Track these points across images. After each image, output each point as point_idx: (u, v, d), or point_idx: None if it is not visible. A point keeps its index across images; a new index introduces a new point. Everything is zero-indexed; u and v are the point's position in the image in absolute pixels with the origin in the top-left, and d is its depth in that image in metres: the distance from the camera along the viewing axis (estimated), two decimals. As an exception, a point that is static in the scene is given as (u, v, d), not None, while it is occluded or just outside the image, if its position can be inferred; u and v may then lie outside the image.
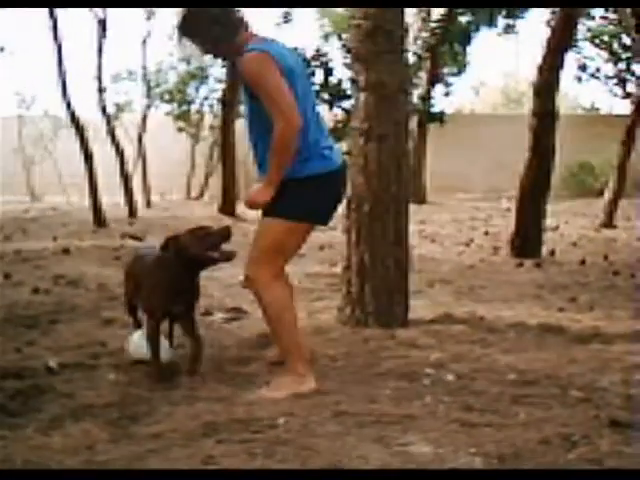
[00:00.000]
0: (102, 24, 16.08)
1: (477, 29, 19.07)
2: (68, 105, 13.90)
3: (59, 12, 13.50)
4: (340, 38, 18.92)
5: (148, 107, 23.41)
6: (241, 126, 19.23)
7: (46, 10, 13.31)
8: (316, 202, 3.80)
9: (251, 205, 3.79)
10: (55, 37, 13.64)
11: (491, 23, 16.52)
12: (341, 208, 5.12)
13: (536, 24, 18.59)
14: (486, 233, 11.54)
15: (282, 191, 3.71)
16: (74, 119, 14.11)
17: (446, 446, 2.87)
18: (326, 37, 22.09)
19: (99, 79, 16.64)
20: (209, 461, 2.79)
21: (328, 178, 3.80)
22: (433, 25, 18.46)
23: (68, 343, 4.61)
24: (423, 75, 19.63)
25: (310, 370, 3.78)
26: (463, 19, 18.79)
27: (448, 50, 18.77)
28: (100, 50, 16.00)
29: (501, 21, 18.68)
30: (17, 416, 3.42)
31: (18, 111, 25.81)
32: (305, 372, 3.74)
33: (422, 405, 3.37)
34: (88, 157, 14.23)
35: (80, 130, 14.13)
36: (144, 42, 23.15)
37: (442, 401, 3.41)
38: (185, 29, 3.84)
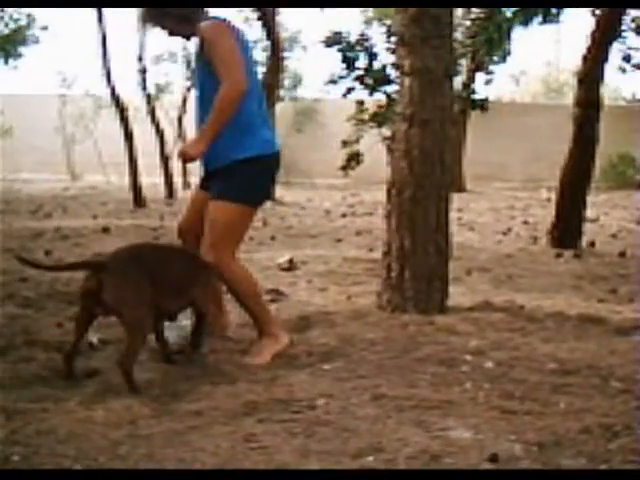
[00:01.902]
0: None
1: (510, 28, 18.89)
2: (110, 85, 14.00)
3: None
4: (383, 23, 18.82)
5: (188, 89, 23.47)
6: (281, 110, 19.28)
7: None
8: (264, 183, 4.08)
9: (183, 157, 3.88)
10: (99, 18, 13.72)
11: (527, 24, 16.36)
12: (383, 194, 5.14)
13: (579, 13, 18.36)
14: (525, 222, 11.48)
15: (231, 174, 3.93)
16: (115, 99, 14.21)
17: (486, 432, 2.87)
18: (368, 22, 21.98)
19: (141, 60, 16.74)
20: (250, 439, 2.82)
21: (273, 159, 4.05)
22: (475, 14, 18.31)
23: (108, 320, 4.64)
24: (465, 62, 19.51)
25: (281, 327, 4.19)
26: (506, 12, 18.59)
27: (488, 40, 18.63)
28: (143, 31, 16.06)
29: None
30: (59, 389, 3.47)
31: (60, 90, 26.01)
32: (277, 331, 4.10)
33: (462, 391, 3.37)
34: (128, 137, 14.34)
35: (121, 110, 14.23)
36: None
37: (482, 388, 3.40)
38: (156, 11, 4.05)
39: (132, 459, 2.65)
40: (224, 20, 3.96)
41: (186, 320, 4.09)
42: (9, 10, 18.95)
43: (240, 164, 3.92)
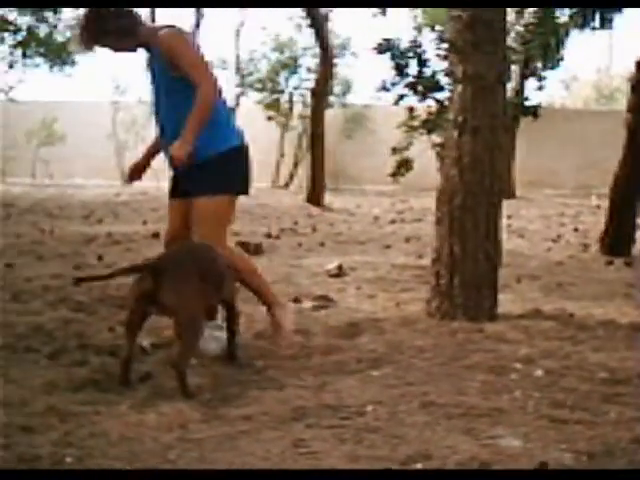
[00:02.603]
0: (198, 13, 16.28)
1: (567, 33, 18.72)
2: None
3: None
4: (433, 29, 18.79)
5: (239, 95, 23.64)
6: (331, 117, 19.32)
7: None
8: (242, 172, 4.26)
9: (177, 161, 4.04)
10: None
11: (584, 26, 16.22)
12: (432, 200, 5.14)
13: (633, 17, 18.17)
14: (575, 230, 11.37)
15: (212, 168, 4.13)
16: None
17: (535, 441, 2.86)
18: (419, 29, 21.96)
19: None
20: (300, 444, 2.83)
21: (244, 150, 4.27)
22: (527, 19, 18.21)
23: (160, 324, 4.70)
24: (516, 68, 19.40)
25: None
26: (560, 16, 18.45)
27: (544, 46, 18.50)
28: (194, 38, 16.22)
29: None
30: (111, 393, 3.52)
31: (113, 97, 26.33)
32: (279, 298, 4.47)
33: (511, 399, 3.36)
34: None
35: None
36: (237, 32, 23.37)
37: (531, 396, 3.39)
38: (95, 28, 4.14)
39: (182, 463, 2.68)
40: (180, 29, 4.18)
41: (219, 332, 4.12)
42: (64, 18, 19.25)
43: (218, 157, 4.14)
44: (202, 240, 4.08)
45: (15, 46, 20.25)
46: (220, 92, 4.20)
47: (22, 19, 19.19)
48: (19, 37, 19.66)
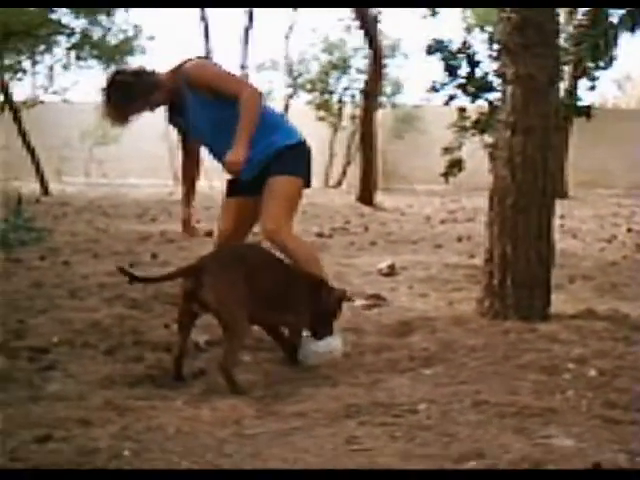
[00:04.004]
0: (249, 14, 16.39)
1: (617, 34, 18.49)
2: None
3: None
4: (483, 30, 18.70)
5: (290, 96, 23.72)
6: (381, 117, 19.31)
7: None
8: (309, 166, 4.36)
9: (235, 167, 4.08)
10: (205, 29, 13.99)
11: (634, 30, 16.00)
12: (483, 200, 5.14)
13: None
14: (629, 230, 11.25)
15: (285, 156, 4.22)
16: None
17: (589, 441, 2.85)
18: (469, 29, 21.87)
19: (243, 68, 17.00)
20: (352, 441, 2.86)
21: (308, 147, 4.37)
22: (579, 20, 18.03)
23: (214, 321, 4.75)
24: (568, 68, 19.21)
25: None
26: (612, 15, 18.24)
27: (593, 48, 18.32)
28: (246, 40, 16.33)
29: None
30: (167, 388, 3.58)
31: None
32: None
33: (564, 399, 3.35)
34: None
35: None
36: (287, 35, 23.47)
37: (584, 396, 3.37)
38: (123, 97, 4.14)
39: (238, 457, 2.73)
40: (197, 58, 4.26)
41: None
42: (117, 21, 19.53)
43: (289, 149, 4.24)
44: (271, 219, 4.12)
45: (70, 49, 20.58)
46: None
47: (76, 22, 19.50)
48: (73, 40, 19.98)
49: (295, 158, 4.26)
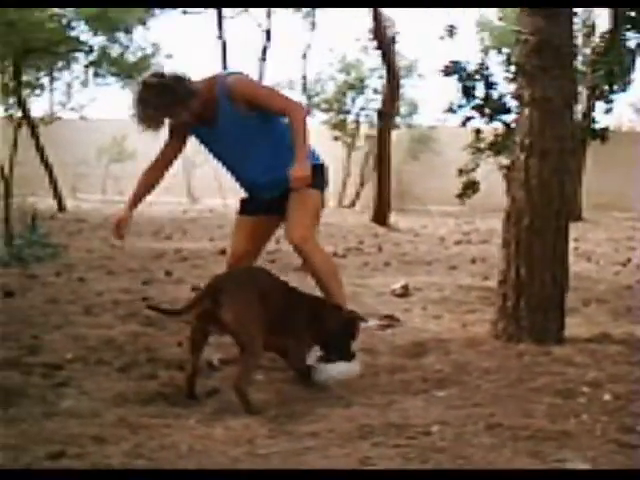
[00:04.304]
0: (267, 34, 16.48)
1: (634, 60, 18.51)
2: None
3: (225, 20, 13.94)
4: (500, 52, 18.73)
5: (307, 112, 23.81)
6: (397, 137, 19.33)
7: (214, 17, 13.78)
8: (325, 187, 4.43)
9: (303, 181, 4.12)
10: (223, 51, 14.08)
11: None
12: (498, 222, 5.13)
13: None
14: (644, 254, 11.20)
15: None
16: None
17: (603, 465, 2.84)
18: (486, 51, 21.91)
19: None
20: (366, 462, 2.85)
21: (325, 169, 4.47)
22: (596, 42, 18.05)
23: (227, 340, 4.75)
24: (584, 90, 19.21)
25: None
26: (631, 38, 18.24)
27: (609, 74, 18.29)
28: (263, 59, 16.40)
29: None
30: (180, 406, 3.58)
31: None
32: None
33: (578, 423, 3.33)
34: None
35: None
36: (304, 54, 23.56)
37: (599, 420, 3.35)
38: (167, 99, 4.08)
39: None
40: (239, 72, 4.27)
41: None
42: (136, 39, 19.66)
43: (314, 167, 4.22)
44: (300, 227, 4.16)
45: (88, 66, 20.72)
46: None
47: (95, 40, 19.66)
48: (92, 57, 20.12)
49: (317, 175, 4.27)
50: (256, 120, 4.18)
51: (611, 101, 20.62)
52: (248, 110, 4.14)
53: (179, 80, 4.08)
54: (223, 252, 9.57)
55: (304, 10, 23.91)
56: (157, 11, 19.11)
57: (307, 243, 4.15)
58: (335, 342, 4.00)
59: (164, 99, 4.05)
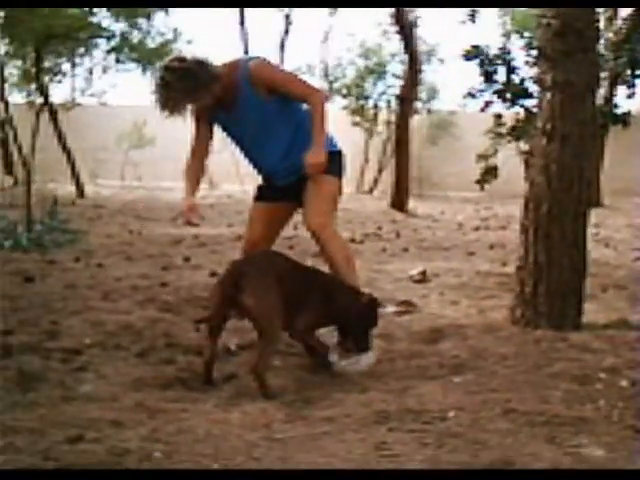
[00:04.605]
0: (287, 19, 16.44)
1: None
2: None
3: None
4: (522, 36, 18.60)
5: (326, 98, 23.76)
6: (416, 123, 19.28)
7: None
8: (342, 174, 4.38)
9: (318, 167, 4.12)
10: (244, 36, 14.05)
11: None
12: (517, 208, 5.11)
13: None
14: (665, 240, 11.14)
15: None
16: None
17: (620, 451, 2.84)
18: (507, 35, 21.78)
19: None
20: (382, 447, 2.86)
21: (342, 155, 4.41)
22: (618, 26, 17.90)
23: (245, 325, 4.77)
24: (606, 75, 19.07)
25: None
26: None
27: (631, 61, 18.14)
28: (282, 45, 16.37)
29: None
30: (197, 391, 3.61)
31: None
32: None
33: (595, 409, 3.32)
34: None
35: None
36: (325, 38, 23.50)
37: (616, 406, 3.35)
38: (191, 84, 4.01)
39: (267, 461, 2.74)
40: (262, 57, 4.23)
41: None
42: (156, 25, 19.69)
43: (331, 153, 4.22)
44: (318, 213, 4.14)
45: (109, 51, 20.77)
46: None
47: (116, 25, 19.70)
48: (113, 43, 20.16)
49: (333, 162, 4.26)
50: (276, 105, 4.16)
51: (633, 85, 20.48)
52: (268, 95, 4.12)
53: (201, 64, 4.04)
54: (241, 238, 9.59)
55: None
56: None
57: (324, 230, 4.14)
58: (355, 329, 3.99)
59: (187, 83, 3.99)
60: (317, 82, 25.39)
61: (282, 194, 4.33)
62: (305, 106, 4.24)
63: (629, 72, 18.13)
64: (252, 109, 4.18)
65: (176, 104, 4.06)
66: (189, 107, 4.18)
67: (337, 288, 4.01)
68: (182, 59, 4.04)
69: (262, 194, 4.46)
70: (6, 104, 21.91)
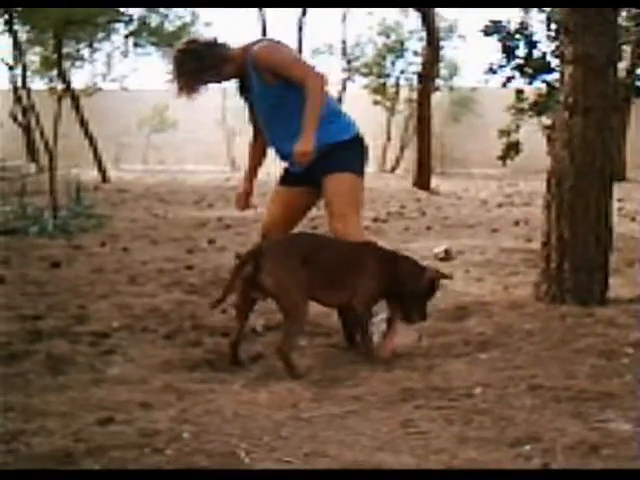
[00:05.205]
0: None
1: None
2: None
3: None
4: (541, 10, 18.46)
5: (346, 80, 23.67)
6: (437, 100, 19.21)
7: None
8: (364, 159, 4.25)
9: (305, 157, 3.98)
10: (263, 17, 14.02)
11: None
12: (540, 184, 5.08)
13: None
14: (690, 213, 11.04)
15: (342, 152, 4.12)
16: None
17: (646, 425, 2.84)
18: (526, 9, 21.59)
19: (300, 52, 17.00)
20: (408, 424, 2.89)
21: (362, 139, 4.25)
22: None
23: (270, 306, 4.79)
24: (628, 48, 18.90)
25: None
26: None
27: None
28: (300, 26, 16.33)
29: None
30: (225, 372, 3.63)
31: (221, 85, 26.67)
32: None
33: (621, 383, 3.32)
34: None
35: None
36: (344, 17, 23.42)
37: (643, 380, 3.36)
38: (195, 67, 4.06)
39: (295, 440, 2.76)
40: (274, 40, 4.17)
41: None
42: (174, 8, 19.67)
43: (346, 144, 4.14)
44: (336, 216, 4.06)
45: (128, 36, 20.81)
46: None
47: (134, 10, 19.72)
48: (132, 27, 20.19)
49: (352, 153, 4.17)
50: (283, 90, 4.07)
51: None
52: (274, 79, 4.06)
53: (210, 46, 4.07)
54: (265, 219, 9.62)
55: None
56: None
57: (347, 236, 4.05)
58: (417, 302, 3.96)
59: (192, 64, 4.05)
60: (337, 61, 25.37)
61: (303, 179, 4.28)
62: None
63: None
64: (260, 94, 4.16)
65: (184, 84, 4.12)
66: (199, 88, 4.19)
67: (398, 262, 4.00)
68: (192, 41, 4.12)
69: (285, 178, 4.44)
70: (28, 91, 22.00)
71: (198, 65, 4.06)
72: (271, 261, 3.61)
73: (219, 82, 4.24)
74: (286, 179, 4.40)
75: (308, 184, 4.26)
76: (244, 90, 4.28)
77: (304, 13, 16.72)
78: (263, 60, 4.04)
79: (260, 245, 3.84)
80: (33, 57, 23.24)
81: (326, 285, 3.75)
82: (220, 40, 4.15)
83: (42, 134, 19.48)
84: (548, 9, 17.04)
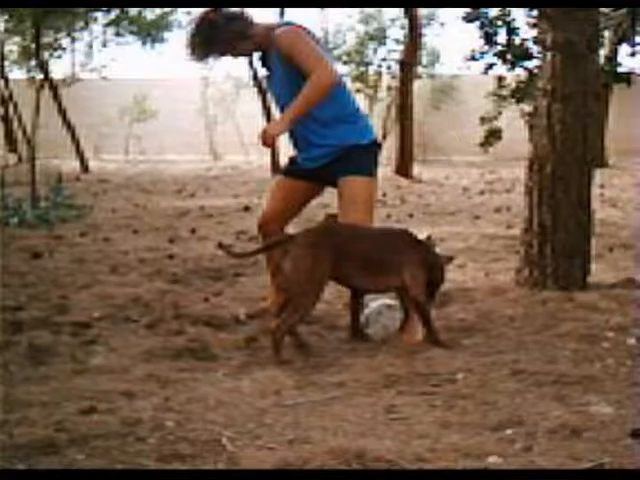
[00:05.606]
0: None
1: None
2: (252, 68, 14.26)
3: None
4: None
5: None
6: (418, 87, 19.22)
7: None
8: (378, 163, 4.18)
9: (264, 137, 3.92)
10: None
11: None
12: (521, 170, 5.10)
13: None
14: (671, 198, 11.11)
15: (359, 155, 4.05)
16: (256, 80, 14.47)
17: (628, 408, 2.86)
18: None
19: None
20: (391, 410, 2.90)
21: (380, 144, 4.23)
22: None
23: (253, 295, 4.81)
24: (608, 34, 18.95)
25: None
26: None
27: (631, 12, 17.97)
28: (282, 12, 16.26)
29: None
30: (207, 361, 3.63)
31: (201, 73, 26.67)
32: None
33: (603, 367, 3.35)
34: (269, 117, 14.57)
35: (261, 91, 14.48)
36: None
37: (624, 364, 3.38)
38: (207, 38, 3.98)
39: (278, 427, 2.77)
40: (299, 25, 4.03)
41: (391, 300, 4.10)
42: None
43: (363, 148, 4.07)
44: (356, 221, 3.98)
45: (107, 25, 20.67)
46: (348, 88, 4.19)
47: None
48: (111, 16, 20.06)
49: (369, 157, 4.11)
50: (301, 77, 3.90)
51: (636, 44, 20.34)
52: (292, 66, 3.94)
53: (229, 19, 3.98)
54: (247, 208, 9.62)
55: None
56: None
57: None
58: (434, 290, 3.96)
59: (203, 35, 3.98)
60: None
61: (312, 175, 4.16)
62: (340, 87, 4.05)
63: (630, 25, 17.97)
64: (278, 77, 4.09)
65: (195, 51, 4.05)
66: (209, 58, 4.12)
67: (431, 249, 4.04)
68: (214, 10, 4.00)
69: (290, 169, 4.35)
70: (6, 81, 21.86)
71: (211, 37, 3.98)
72: (297, 248, 3.61)
73: (234, 56, 4.15)
74: (292, 171, 4.31)
75: (315, 180, 4.20)
76: (265, 65, 4.21)
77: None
78: (283, 45, 3.92)
79: (293, 233, 3.85)
80: (12, 47, 23.06)
81: (363, 272, 3.72)
82: (246, 14, 4.05)
83: (20, 124, 19.35)
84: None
